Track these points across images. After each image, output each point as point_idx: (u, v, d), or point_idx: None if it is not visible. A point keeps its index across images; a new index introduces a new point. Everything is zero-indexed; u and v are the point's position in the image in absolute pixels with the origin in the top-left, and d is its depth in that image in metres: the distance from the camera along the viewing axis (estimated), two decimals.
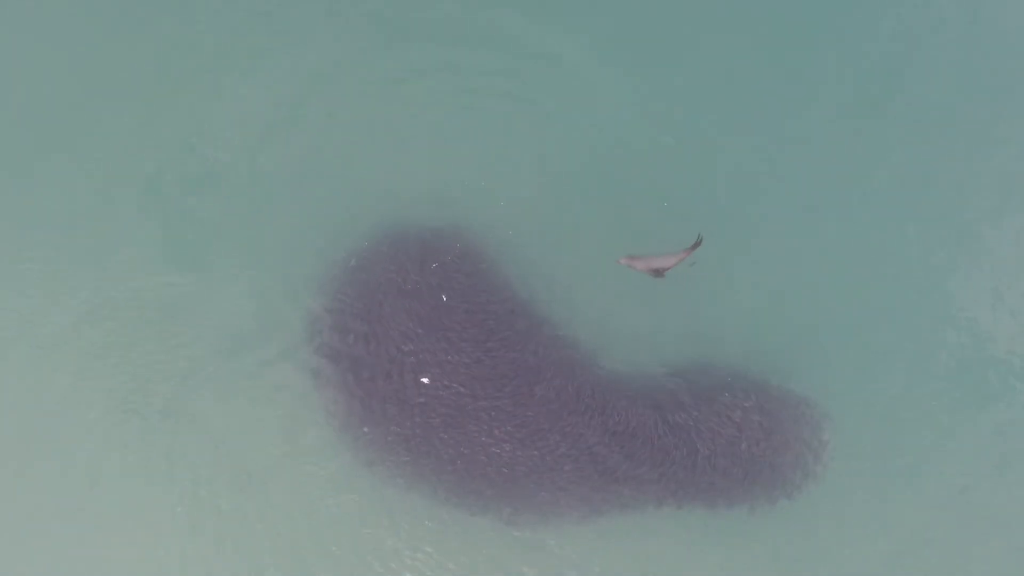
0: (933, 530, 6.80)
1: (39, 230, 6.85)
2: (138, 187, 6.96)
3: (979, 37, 7.70)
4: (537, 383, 6.55)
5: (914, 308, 7.19)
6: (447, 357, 6.51)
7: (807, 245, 7.23)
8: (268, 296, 6.81)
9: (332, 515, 6.48)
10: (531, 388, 6.53)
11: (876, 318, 7.16)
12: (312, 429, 6.59)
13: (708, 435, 6.64)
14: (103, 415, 6.57)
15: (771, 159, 7.38)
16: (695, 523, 6.62)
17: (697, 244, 6.49)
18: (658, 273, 6.47)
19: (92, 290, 6.75)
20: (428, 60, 7.34)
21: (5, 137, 7.00)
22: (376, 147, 7.13)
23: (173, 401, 6.61)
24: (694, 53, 7.53)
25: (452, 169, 7.12)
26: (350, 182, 7.03)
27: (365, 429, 6.46)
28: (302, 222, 6.94)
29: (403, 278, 6.71)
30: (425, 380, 6.42)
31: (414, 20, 7.42)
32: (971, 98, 7.59)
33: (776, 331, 7.05)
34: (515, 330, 6.70)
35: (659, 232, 7.01)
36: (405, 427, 6.43)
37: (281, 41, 7.28)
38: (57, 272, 6.76)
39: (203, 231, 6.93)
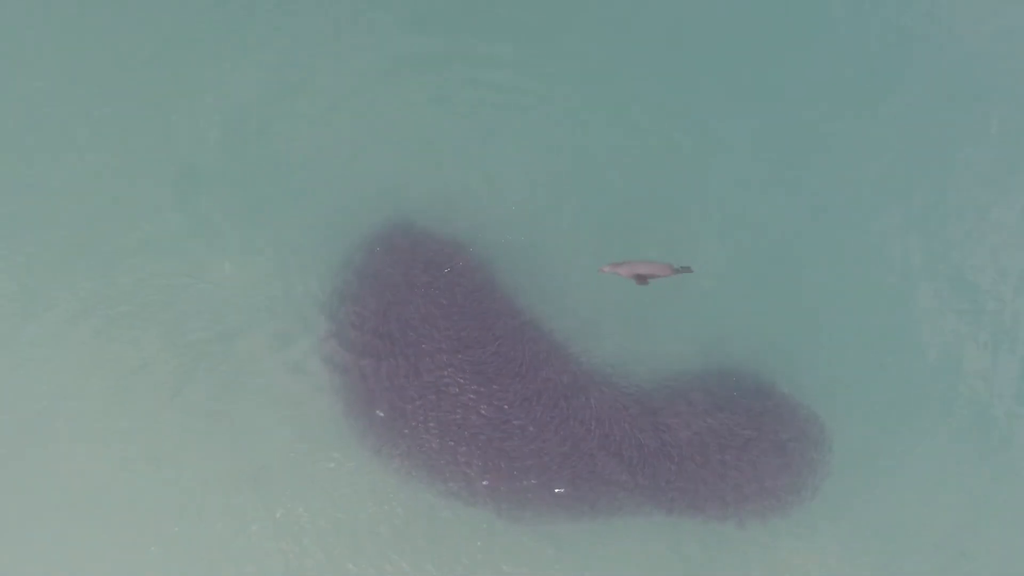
0: (931, 533, 6.80)
1: (50, 224, 6.90)
2: (149, 183, 7.01)
3: (979, 42, 7.73)
4: (545, 388, 6.60)
5: (914, 311, 7.20)
6: (456, 355, 6.56)
7: (811, 249, 7.27)
8: (280, 290, 6.86)
9: (339, 506, 6.52)
10: (539, 393, 6.58)
11: (876, 321, 7.17)
12: (321, 421, 6.62)
13: (724, 439, 6.67)
14: (110, 405, 6.60)
15: (774, 163, 7.43)
16: (688, 527, 6.63)
17: (685, 270, 6.56)
18: (641, 279, 6.51)
19: (102, 282, 6.80)
20: (433, 55, 7.40)
21: (19, 136, 7.07)
22: (383, 147, 7.19)
23: (182, 393, 6.65)
24: (700, 59, 7.56)
25: (460, 171, 7.17)
26: (359, 180, 7.08)
27: (379, 412, 6.51)
28: (312, 218, 6.99)
29: (413, 279, 6.76)
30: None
31: (420, 14, 7.48)
32: (977, 102, 7.64)
33: (779, 334, 7.06)
34: (524, 335, 6.75)
35: (664, 237, 7.11)
36: (412, 421, 6.48)
37: (290, 45, 7.36)
38: (68, 264, 6.81)
39: (216, 227, 6.97)
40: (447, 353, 6.56)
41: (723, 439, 6.67)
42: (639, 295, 6.74)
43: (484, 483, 6.45)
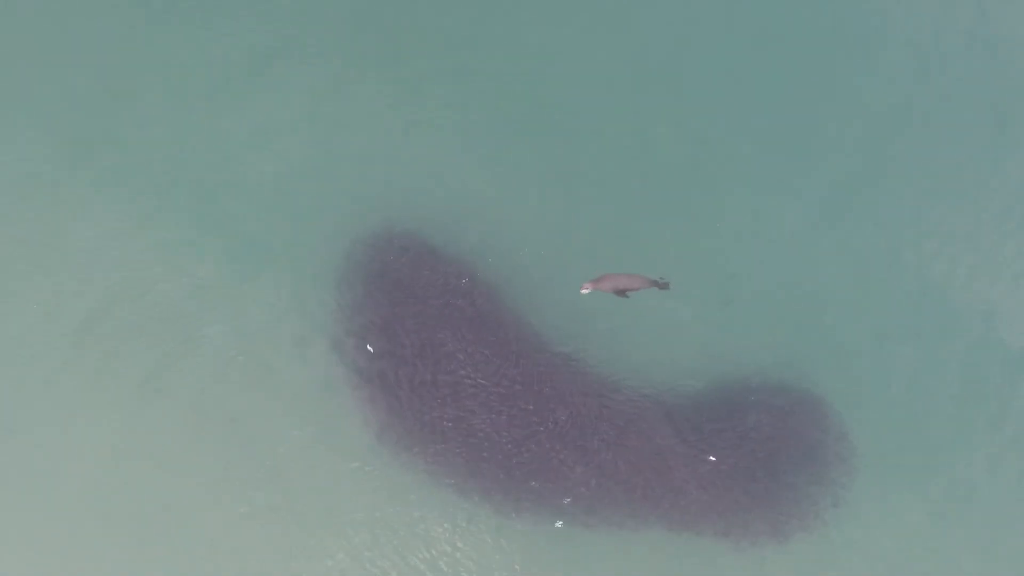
0: (942, 537, 6.80)
1: (67, 225, 6.97)
2: (165, 186, 7.08)
3: (986, 47, 7.76)
4: (560, 399, 6.63)
5: (922, 314, 7.24)
6: (473, 359, 6.63)
7: (820, 249, 7.31)
8: (295, 294, 6.90)
9: (353, 506, 6.56)
10: (553, 404, 6.62)
11: (889, 323, 7.20)
12: (336, 423, 6.67)
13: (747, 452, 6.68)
14: (127, 406, 6.63)
15: (783, 165, 7.47)
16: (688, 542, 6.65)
17: (662, 285, 6.60)
18: (621, 293, 6.51)
19: (112, 284, 6.86)
20: (436, 69, 7.46)
21: (40, 138, 7.13)
22: (394, 154, 7.25)
23: (202, 392, 6.69)
24: (707, 63, 7.60)
25: (468, 179, 7.22)
26: (369, 187, 7.14)
27: (393, 418, 6.56)
28: (323, 225, 7.03)
29: (428, 286, 6.81)
30: (370, 348, 6.51)
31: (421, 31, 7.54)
32: (979, 108, 7.66)
33: (791, 338, 7.08)
34: (537, 344, 6.80)
35: (676, 242, 7.15)
36: (426, 420, 6.55)
37: (301, 59, 7.42)
38: (76, 267, 6.87)
39: (231, 231, 7.03)
40: (464, 357, 6.62)
41: (746, 451, 6.70)
42: (649, 303, 6.80)
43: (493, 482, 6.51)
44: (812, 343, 7.06)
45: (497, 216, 7.12)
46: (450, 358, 6.59)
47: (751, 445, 6.69)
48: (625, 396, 6.77)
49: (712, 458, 6.59)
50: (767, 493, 6.61)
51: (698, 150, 7.41)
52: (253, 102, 7.28)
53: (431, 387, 6.55)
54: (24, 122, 7.15)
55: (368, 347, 6.57)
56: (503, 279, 7.00)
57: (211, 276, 6.91)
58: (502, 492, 6.52)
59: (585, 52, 7.54)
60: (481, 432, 6.52)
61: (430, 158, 7.23)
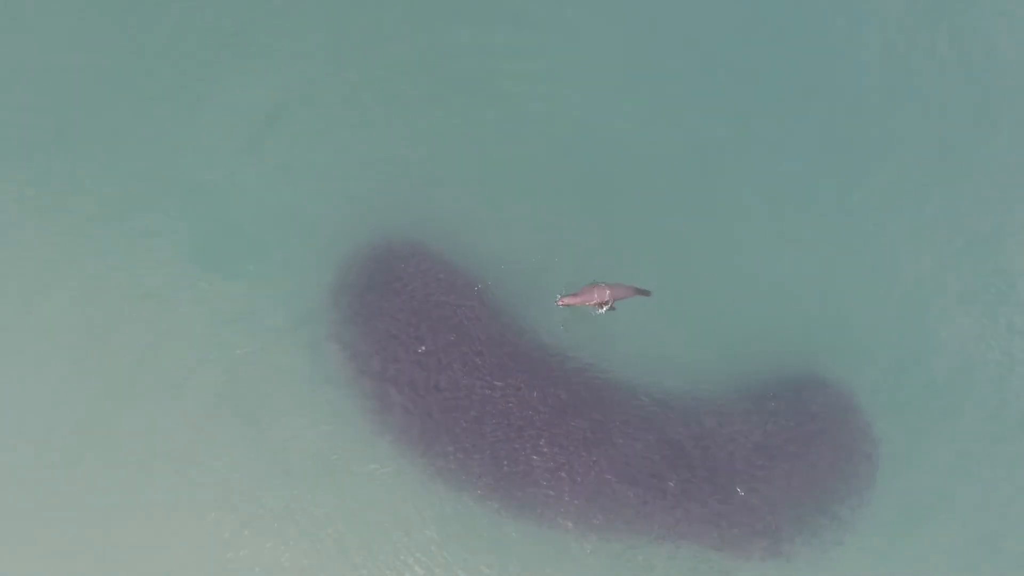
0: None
1: (65, 223, 6.95)
2: (171, 190, 7.07)
3: (984, 41, 7.82)
4: (569, 406, 6.61)
5: (931, 313, 7.27)
6: (482, 359, 6.61)
7: (821, 249, 7.34)
8: (302, 295, 6.87)
9: (354, 506, 6.55)
10: (565, 415, 6.58)
11: (895, 325, 7.23)
12: (338, 423, 6.65)
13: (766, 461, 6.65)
14: (144, 405, 6.63)
15: (789, 166, 7.49)
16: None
17: (644, 292, 6.60)
18: (608, 305, 6.52)
19: (119, 282, 6.85)
20: (437, 69, 7.46)
21: (39, 136, 7.12)
22: (395, 160, 7.24)
23: (216, 394, 6.68)
24: (714, 65, 7.62)
25: (471, 186, 7.21)
26: (371, 191, 7.12)
27: (394, 421, 6.55)
28: (324, 226, 7.02)
29: (434, 291, 6.78)
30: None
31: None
32: (978, 105, 7.72)
33: (802, 339, 7.10)
34: (541, 351, 6.78)
35: (682, 243, 7.16)
36: (427, 424, 6.52)
37: (302, 56, 7.43)
38: (84, 261, 6.86)
39: (234, 231, 7.02)
40: (470, 362, 6.61)
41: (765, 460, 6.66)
42: (655, 306, 6.81)
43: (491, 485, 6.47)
44: (814, 345, 7.09)
45: (497, 219, 7.12)
46: (455, 363, 6.58)
47: (757, 452, 6.69)
48: (629, 400, 6.75)
49: (740, 492, 6.55)
50: (772, 502, 6.60)
51: (708, 151, 7.44)
52: (258, 115, 7.27)
53: (433, 391, 6.53)
54: (22, 119, 7.15)
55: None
56: (507, 283, 6.99)
57: (214, 275, 6.90)
58: (501, 496, 6.50)
59: (586, 54, 7.56)
60: (482, 437, 6.49)
61: (431, 160, 7.24)
